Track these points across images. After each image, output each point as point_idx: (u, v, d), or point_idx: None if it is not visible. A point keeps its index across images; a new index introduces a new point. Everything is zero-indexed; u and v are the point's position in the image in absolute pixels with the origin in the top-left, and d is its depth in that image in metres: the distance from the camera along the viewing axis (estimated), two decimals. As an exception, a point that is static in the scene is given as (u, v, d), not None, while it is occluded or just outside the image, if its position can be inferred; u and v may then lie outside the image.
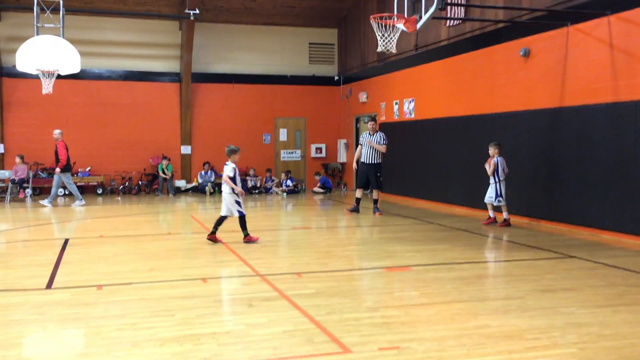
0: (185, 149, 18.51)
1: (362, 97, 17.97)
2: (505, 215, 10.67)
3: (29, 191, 16.08)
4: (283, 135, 19.57)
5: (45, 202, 14.49)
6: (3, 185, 15.95)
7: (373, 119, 12.92)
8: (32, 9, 13.56)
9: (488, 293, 5.96)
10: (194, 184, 18.32)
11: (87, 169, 17.48)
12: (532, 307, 5.41)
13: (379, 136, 12.55)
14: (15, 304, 5.64)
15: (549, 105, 10.79)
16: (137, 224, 11.60)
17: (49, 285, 6.33)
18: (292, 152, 19.71)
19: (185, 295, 5.90)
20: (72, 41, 13.68)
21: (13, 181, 15.77)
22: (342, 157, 19.50)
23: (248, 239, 8.81)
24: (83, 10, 17.01)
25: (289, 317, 5.13)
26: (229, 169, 8.72)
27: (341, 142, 19.47)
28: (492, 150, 10.71)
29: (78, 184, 17.22)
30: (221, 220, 8.87)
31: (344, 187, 19.24)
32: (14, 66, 13.62)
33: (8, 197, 15.04)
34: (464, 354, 4.23)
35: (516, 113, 11.60)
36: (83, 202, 14.67)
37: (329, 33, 19.91)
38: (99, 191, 17.36)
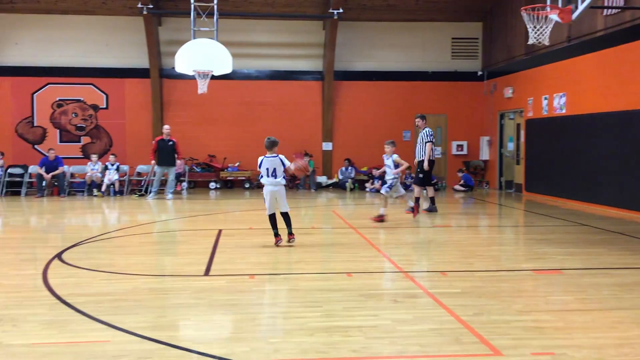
0: (327, 146, 18.93)
1: (508, 92, 17.30)
2: (410, 203, 11.32)
3: (185, 184, 17.30)
4: (423, 132, 19.35)
5: (169, 196, 15.18)
6: (153, 178, 16.83)
7: (419, 115, 12.42)
8: (190, 14, 14.57)
9: (652, 302, 5.52)
10: (334, 179, 18.72)
11: (236, 165, 18.45)
12: None
13: (424, 133, 12.04)
14: (177, 288, 6.12)
15: None
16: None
17: (206, 273, 6.78)
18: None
19: (332, 288, 6.06)
20: (225, 43, 14.50)
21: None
22: (484, 154, 18.90)
23: (292, 237, 8.40)
24: (235, 13, 17.94)
25: (435, 315, 5.10)
26: (284, 157, 8.65)
27: (484, 139, 18.89)
28: (390, 149, 10.72)
29: (228, 178, 18.29)
30: (275, 219, 8.48)
31: (486, 185, 18.68)
32: (173, 68, 14.67)
33: (168, 189, 15.98)
34: (626, 365, 3.97)
35: (684, 107, 10.60)
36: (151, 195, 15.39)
37: (473, 27, 19.38)
38: (247, 185, 18.28)
